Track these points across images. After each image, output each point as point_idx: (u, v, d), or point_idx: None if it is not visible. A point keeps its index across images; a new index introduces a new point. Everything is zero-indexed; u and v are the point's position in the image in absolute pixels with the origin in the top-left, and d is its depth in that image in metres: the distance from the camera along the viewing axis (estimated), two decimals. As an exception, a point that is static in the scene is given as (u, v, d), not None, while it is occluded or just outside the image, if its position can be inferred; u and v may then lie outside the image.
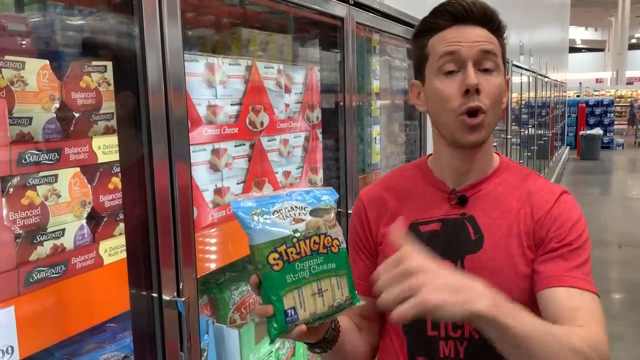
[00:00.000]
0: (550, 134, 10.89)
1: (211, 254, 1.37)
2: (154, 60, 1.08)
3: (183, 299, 1.12)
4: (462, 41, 0.96)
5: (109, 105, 1.09)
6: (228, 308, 1.58)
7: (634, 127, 20.11)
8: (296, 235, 0.80)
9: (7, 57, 0.91)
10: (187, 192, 1.16)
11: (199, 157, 1.35)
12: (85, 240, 1.03)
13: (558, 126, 13.84)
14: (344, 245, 0.85)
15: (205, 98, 1.37)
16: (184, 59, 1.15)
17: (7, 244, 0.89)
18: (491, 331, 0.78)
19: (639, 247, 6.42)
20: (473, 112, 0.95)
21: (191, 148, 1.21)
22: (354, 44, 2.01)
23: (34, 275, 0.92)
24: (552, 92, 11.88)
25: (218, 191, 1.41)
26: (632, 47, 33.12)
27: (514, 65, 6.15)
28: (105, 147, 1.06)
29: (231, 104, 1.46)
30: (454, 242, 1.00)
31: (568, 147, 16.29)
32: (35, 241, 0.94)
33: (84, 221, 1.03)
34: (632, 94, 24.50)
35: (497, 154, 1.11)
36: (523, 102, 7.68)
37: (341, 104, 2.01)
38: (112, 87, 1.09)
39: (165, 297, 1.12)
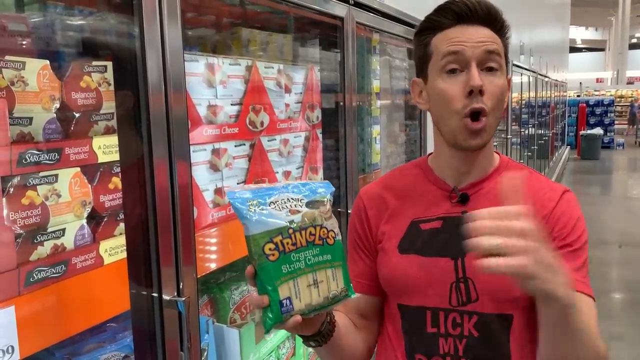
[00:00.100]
0: (550, 134, 10.89)
1: (211, 254, 1.37)
2: (154, 60, 1.08)
3: (183, 298, 1.12)
4: (466, 41, 0.96)
5: (109, 105, 1.09)
6: (228, 308, 1.59)
7: (635, 126, 20.10)
8: (292, 226, 0.80)
9: (7, 57, 0.91)
10: (187, 192, 1.16)
11: (199, 157, 1.35)
12: (86, 240, 1.03)
13: (558, 126, 13.84)
14: (339, 237, 0.85)
15: (206, 98, 1.37)
16: (184, 59, 1.15)
17: (8, 244, 0.89)
18: (555, 314, 0.80)
19: (639, 247, 6.42)
20: (476, 115, 0.95)
21: (191, 148, 1.21)
22: (354, 43, 2.01)
23: (34, 275, 0.92)
24: (553, 91, 11.88)
25: (218, 191, 1.42)
26: (632, 46, 33.11)
27: (514, 65, 6.15)
28: (106, 147, 1.06)
29: (231, 104, 1.46)
30: (455, 240, 1.00)
31: (568, 146, 16.28)
32: (35, 241, 0.94)
33: (84, 221, 1.03)
34: (632, 94, 24.48)
35: (497, 153, 1.11)
36: (523, 102, 7.67)
37: (341, 103, 2.01)
38: (112, 87, 1.09)
39: (166, 297, 1.12)
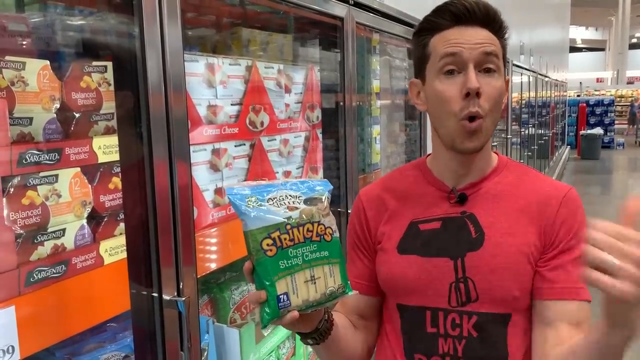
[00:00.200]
0: (550, 134, 10.89)
1: (211, 254, 1.37)
2: (154, 61, 1.08)
3: (183, 298, 1.13)
4: (464, 42, 0.95)
5: (109, 106, 1.09)
6: (228, 308, 1.59)
7: (635, 126, 20.10)
8: (290, 222, 0.81)
9: (7, 58, 0.91)
10: (187, 192, 1.16)
11: (199, 157, 1.35)
12: (86, 240, 1.04)
13: (558, 126, 13.84)
14: (337, 234, 0.86)
15: (206, 98, 1.37)
16: (184, 59, 1.15)
17: (8, 244, 0.89)
18: (616, 340, 0.79)
19: (639, 247, 6.40)
20: (472, 118, 0.95)
21: (191, 148, 1.21)
22: (354, 44, 2.02)
23: (34, 275, 0.92)
24: (553, 91, 11.88)
25: (218, 191, 1.42)
26: (632, 46, 33.10)
27: (514, 65, 6.15)
28: (106, 147, 1.06)
29: (231, 104, 1.46)
30: (454, 240, 1.01)
31: (568, 146, 16.28)
32: (35, 241, 0.94)
33: (84, 221, 1.04)
34: (632, 94, 24.45)
35: (496, 153, 1.11)
36: (523, 101, 7.67)
37: (341, 103, 2.01)
38: (112, 88, 1.09)
39: (166, 297, 1.12)
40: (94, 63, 1.06)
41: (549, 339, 0.96)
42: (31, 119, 0.95)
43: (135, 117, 1.09)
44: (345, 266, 0.87)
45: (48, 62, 0.98)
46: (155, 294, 1.12)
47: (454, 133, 0.98)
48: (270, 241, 0.79)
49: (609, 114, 18.28)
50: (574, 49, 31.86)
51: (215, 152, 1.41)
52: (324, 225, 0.84)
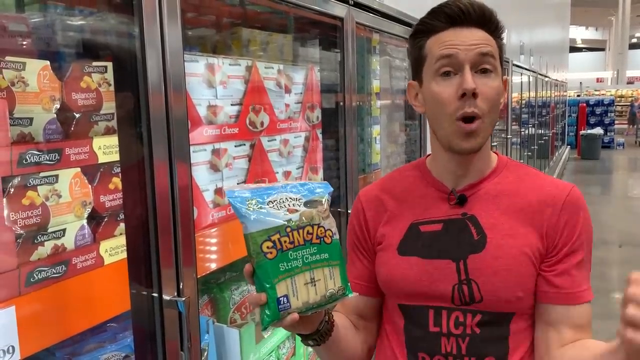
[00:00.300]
0: (550, 134, 10.89)
1: (211, 254, 1.37)
2: (154, 61, 1.08)
3: (183, 298, 1.13)
4: (459, 44, 0.95)
5: (109, 106, 1.09)
6: (228, 308, 1.59)
7: (635, 126, 20.10)
8: (290, 224, 0.81)
9: (7, 58, 0.91)
10: (188, 192, 1.16)
11: (199, 157, 1.35)
12: (86, 240, 1.04)
13: (558, 126, 13.84)
14: (337, 237, 0.86)
15: (206, 98, 1.37)
16: (184, 59, 1.15)
17: (8, 244, 0.89)
18: None
19: (639, 247, 6.42)
20: (469, 119, 0.95)
21: (191, 148, 1.22)
22: (354, 44, 2.02)
23: (34, 275, 0.92)
24: (553, 91, 11.88)
25: (218, 191, 1.42)
26: (632, 46, 33.09)
27: (514, 65, 6.15)
28: (106, 148, 1.07)
29: (231, 104, 1.46)
30: (456, 243, 1.01)
31: (568, 146, 16.28)
32: (36, 241, 0.94)
33: (84, 221, 1.04)
34: (632, 94, 24.45)
35: (496, 153, 1.10)
36: (523, 101, 7.67)
37: (341, 104, 2.01)
38: (112, 88, 1.09)
39: (166, 297, 1.12)
40: (94, 63, 1.06)
41: (552, 340, 0.98)
42: (31, 119, 0.95)
43: (135, 118, 1.09)
44: (345, 268, 0.87)
45: (48, 63, 0.98)
46: (155, 294, 1.12)
47: (450, 134, 0.97)
48: (270, 244, 0.79)
49: (609, 114, 18.28)
50: (574, 49, 31.85)
51: (215, 152, 1.41)
52: (324, 228, 0.84)
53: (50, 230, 0.97)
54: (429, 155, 1.13)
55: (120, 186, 1.10)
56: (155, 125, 1.09)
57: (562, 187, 1.03)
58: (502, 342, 0.99)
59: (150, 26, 1.07)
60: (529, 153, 7.93)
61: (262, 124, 1.58)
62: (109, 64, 1.09)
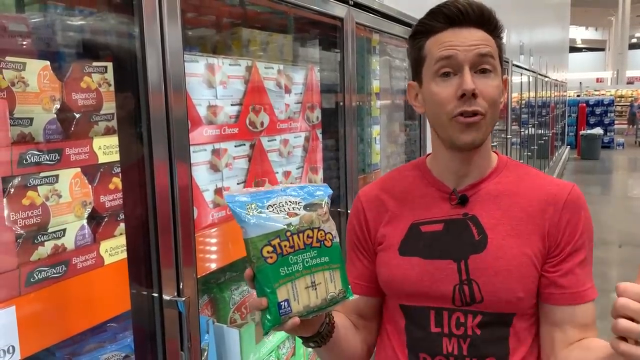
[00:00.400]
0: (550, 134, 10.89)
1: (211, 254, 1.37)
2: (154, 61, 1.08)
3: (183, 298, 1.13)
4: (458, 45, 0.95)
5: (109, 106, 1.09)
6: (228, 308, 1.59)
7: (634, 126, 20.10)
8: (290, 229, 0.81)
9: (7, 58, 0.91)
10: (188, 192, 1.16)
11: (199, 157, 1.35)
12: (86, 240, 1.04)
13: (558, 126, 13.84)
14: (337, 240, 0.86)
15: (206, 98, 1.37)
16: (184, 60, 1.15)
17: (9, 244, 0.89)
18: None
19: (639, 247, 6.42)
20: (469, 114, 0.95)
21: (191, 148, 1.22)
22: (354, 44, 2.02)
23: (35, 275, 0.92)
24: (553, 91, 11.88)
25: (218, 191, 1.42)
26: (632, 46, 33.11)
27: (514, 65, 6.15)
28: (106, 148, 1.07)
29: (231, 104, 1.46)
30: (457, 243, 1.01)
31: (568, 146, 16.28)
32: (36, 241, 0.94)
33: (84, 221, 1.04)
34: (632, 94, 24.46)
35: (496, 153, 1.10)
36: (523, 101, 7.67)
37: (341, 104, 2.01)
38: (112, 88, 1.09)
39: (166, 297, 1.12)
40: (94, 63, 1.06)
41: (558, 340, 0.98)
42: (31, 119, 0.95)
43: (135, 118, 1.09)
44: (346, 271, 0.87)
45: (48, 63, 0.98)
46: (155, 294, 1.12)
47: (450, 130, 0.98)
48: (270, 248, 0.79)
49: (608, 114, 18.29)
50: (573, 49, 31.86)
51: (215, 153, 1.41)
52: (324, 231, 0.84)
53: (50, 230, 0.97)
54: (428, 154, 1.13)
55: (120, 186, 1.10)
56: (155, 125, 1.09)
57: (563, 186, 1.03)
58: (502, 342, 0.99)
59: (150, 26, 1.07)
60: (529, 153, 7.93)
61: (262, 124, 1.58)
62: (109, 64, 1.09)
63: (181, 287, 1.15)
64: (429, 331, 1.01)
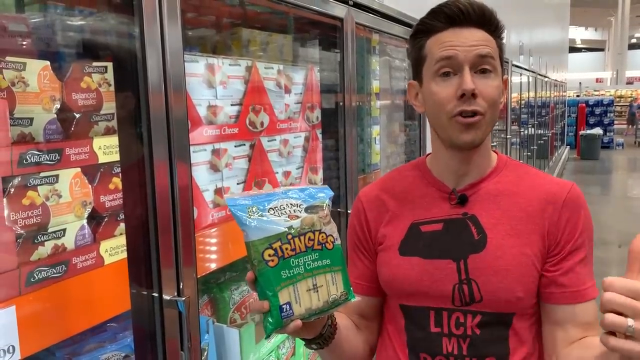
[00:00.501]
0: (550, 134, 10.89)
1: (211, 254, 1.38)
2: (154, 61, 1.08)
3: (183, 298, 1.13)
4: (459, 45, 0.95)
5: (109, 106, 1.09)
6: (228, 308, 1.59)
7: (634, 126, 20.11)
8: (291, 231, 0.81)
9: (8, 58, 0.91)
10: (188, 192, 1.16)
11: (199, 157, 1.35)
12: (86, 240, 1.04)
13: (558, 126, 13.84)
14: (338, 242, 0.86)
15: (206, 98, 1.38)
16: (184, 60, 1.16)
17: (9, 244, 0.89)
18: None
19: (639, 247, 6.41)
20: (469, 114, 0.96)
21: (191, 148, 1.22)
22: (354, 44, 2.02)
23: (35, 275, 0.92)
24: (552, 92, 11.88)
25: (218, 191, 1.42)
26: (632, 47, 33.12)
27: (513, 65, 6.15)
28: (106, 148, 1.07)
29: (231, 105, 1.46)
30: (456, 242, 1.01)
31: (568, 146, 16.28)
32: (36, 241, 0.94)
33: (84, 221, 1.04)
34: (632, 94, 24.48)
35: (496, 153, 1.11)
36: (523, 102, 7.67)
37: (341, 104, 2.01)
38: (112, 88, 1.09)
39: (166, 297, 1.12)
40: (94, 63, 1.07)
41: (560, 339, 0.98)
42: (32, 119, 0.95)
43: (135, 118, 1.09)
44: (347, 273, 0.87)
45: (48, 63, 0.98)
46: (155, 294, 1.12)
47: (449, 129, 0.98)
48: (271, 251, 0.79)
49: (608, 114, 18.30)
50: (573, 49, 31.86)
51: (215, 153, 1.41)
52: (325, 234, 0.84)
53: (50, 230, 0.97)
54: (428, 154, 1.13)
55: (120, 186, 1.10)
56: (155, 125, 1.09)
57: (563, 185, 1.03)
58: (502, 342, 0.99)
59: (150, 26, 1.07)
60: (529, 153, 7.93)
61: (262, 124, 1.58)
62: (109, 64, 1.09)
63: (181, 287, 1.15)
64: (429, 331, 1.01)
